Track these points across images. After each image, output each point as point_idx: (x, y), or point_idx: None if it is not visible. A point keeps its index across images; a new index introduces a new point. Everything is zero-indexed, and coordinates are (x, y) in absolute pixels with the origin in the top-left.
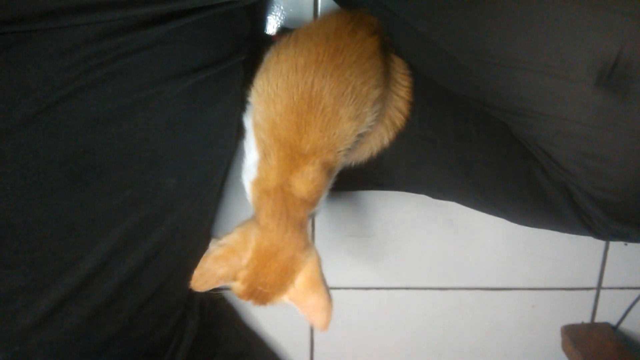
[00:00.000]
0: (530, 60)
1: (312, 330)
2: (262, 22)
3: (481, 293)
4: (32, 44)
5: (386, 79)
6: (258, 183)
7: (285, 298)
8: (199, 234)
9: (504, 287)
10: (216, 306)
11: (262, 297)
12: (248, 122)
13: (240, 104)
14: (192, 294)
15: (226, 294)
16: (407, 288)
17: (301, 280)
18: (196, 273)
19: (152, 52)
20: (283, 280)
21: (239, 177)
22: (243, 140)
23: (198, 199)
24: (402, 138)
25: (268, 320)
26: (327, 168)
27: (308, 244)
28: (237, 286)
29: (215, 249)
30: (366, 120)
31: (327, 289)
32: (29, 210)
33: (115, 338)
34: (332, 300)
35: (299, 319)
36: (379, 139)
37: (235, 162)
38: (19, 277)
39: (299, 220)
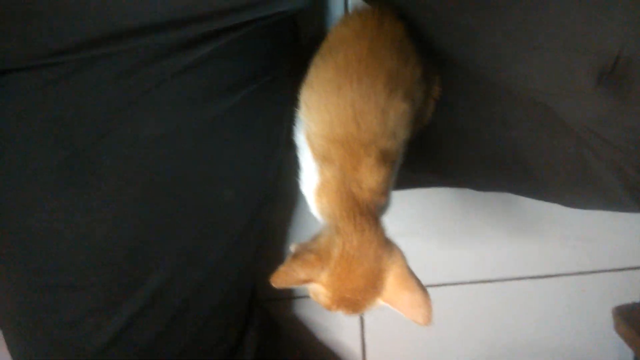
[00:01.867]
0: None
1: (362, 331)
2: (301, 29)
3: (528, 282)
4: (92, 70)
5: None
6: (322, 189)
7: (379, 301)
8: (257, 245)
9: (551, 274)
10: (274, 316)
11: (352, 305)
12: (300, 136)
13: (288, 113)
14: (254, 305)
15: (285, 303)
16: (454, 284)
17: (390, 279)
18: (282, 269)
19: (205, 69)
20: (373, 283)
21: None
22: (296, 155)
23: (256, 208)
24: (447, 132)
25: (320, 326)
26: (388, 157)
27: (388, 240)
28: (323, 297)
29: (303, 253)
30: (415, 99)
31: (419, 282)
32: (95, 232)
33: (184, 352)
34: (428, 292)
35: (349, 324)
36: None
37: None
38: (89, 298)
39: (372, 217)
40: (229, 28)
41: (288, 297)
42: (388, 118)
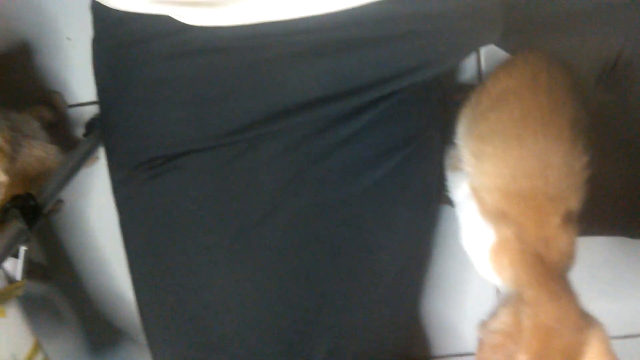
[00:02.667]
0: None
1: None
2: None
3: None
4: (262, 147)
5: None
6: (500, 249)
7: None
8: (414, 307)
9: None
10: None
11: None
12: (460, 191)
13: (439, 170)
14: None
15: None
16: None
17: (590, 355)
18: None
19: (364, 136)
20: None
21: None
22: (453, 210)
23: (412, 272)
24: (608, 183)
25: None
26: (574, 213)
27: (584, 310)
28: None
29: (489, 336)
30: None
31: None
32: (263, 306)
33: None
34: None
35: None
36: None
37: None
38: None
39: (565, 282)
40: (388, 95)
41: (426, 357)
42: (574, 170)
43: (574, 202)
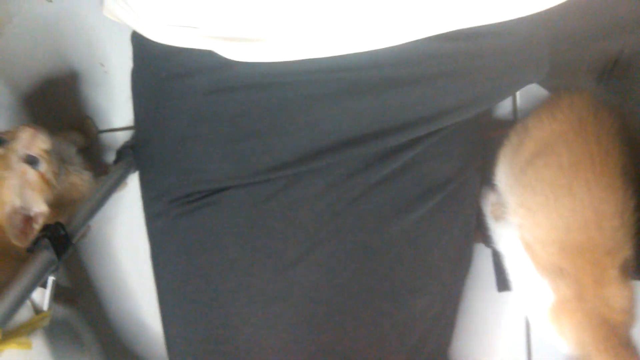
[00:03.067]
0: None
1: None
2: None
3: None
4: (301, 184)
5: None
6: (561, 309)
7: None
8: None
9: None
10: None
11: None
12: (506, 241)
13: (476, 215)
14: None
15: None
16: None
17: None
18: None
19: (406, 175)
20: None
21: None
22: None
23: (445, 314)
24: None
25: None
26: (629, 263)
27: None
28: None
29: None
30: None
31: None
32: (301, 346)
33: None
34: None
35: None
36: None
37: None
38: None
39: (630, 343)
40: (429, 134)
41: None
42: (627, 218)
43: (629, 250)
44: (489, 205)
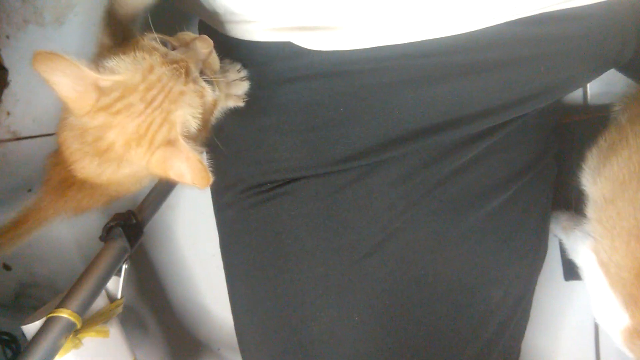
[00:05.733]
0: None
1: None
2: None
3: None
4: (375, 174)
5: None
6: (635, 335)
7: None
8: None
9: None
10: None
11: None
12: (583, 256)
13: (550, 206)
14: None
15: None
16: None
17: None
18: None
19: (482, 164)
20: None
21: None
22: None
23: (521, 306)
24: None
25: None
26: None
27: None
28: None
29: None
30: None
31: None
32: (373, 339)
33: None
34: None
35: None
36: None
37: None
38: None
39: None
40: (506, 122)
41: None
42: None
43: None
44: (560, 222)
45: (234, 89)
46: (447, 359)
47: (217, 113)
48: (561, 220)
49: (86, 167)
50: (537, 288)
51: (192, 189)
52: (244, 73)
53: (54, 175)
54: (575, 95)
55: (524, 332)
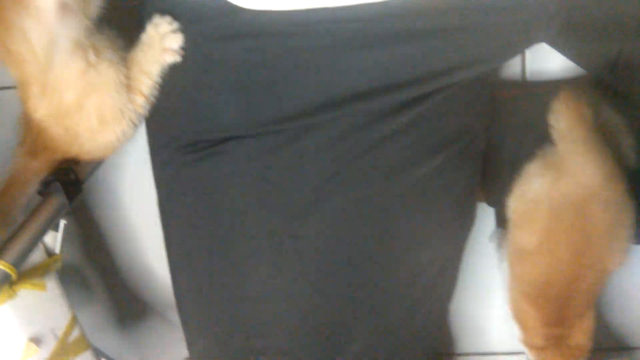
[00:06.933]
0: None
1: None
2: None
3: None
4: (308, 137)
5: None
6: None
7: None
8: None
9: None
10: None
11: None
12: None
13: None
14: None
15: None
16: None
17: None
18: None
19: (411, 131)
20: None
21: None
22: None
23: (450, 271)
24: None
25: None
26: None
27: None
28: None
29: None
30: None
31: None
32: (303, 298)
33: None
34: None
35: None
36: None
37: None
38: None
39: None
40: (437, 90)
41: (451, 353)
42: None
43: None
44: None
45: (168, 42)
46: (375, 317)
47: (155, 68)
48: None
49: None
50: (474, 258)
51: (138, 149)
52: (175, 25)
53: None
54: (515, 69)
55: (451, 296)
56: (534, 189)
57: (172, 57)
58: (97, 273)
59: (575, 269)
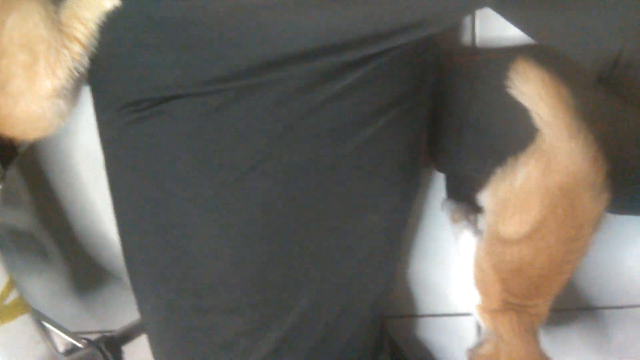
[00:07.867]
0: None
1: None
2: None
3: None
4: (250, 98)
5: None
6: (484, 312)
7: None
8: (394, 268)
9: None
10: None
11: None
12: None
13: (424, 134)
14: (384, 331)
15: (405, 322)
16: None
17: None
18: None
19: (353, 95)
20: None
21: None
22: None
23: (397, 231)
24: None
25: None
26: None
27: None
28: None
29: (476, 357)
30: None
31: None
32: (249, 255)
33: None
34: None
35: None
36: None
37: None
38: (242, 322)
39: (534, 331)
40: (381, 52)
41: (409, 315)
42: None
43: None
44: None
45: None
46: (321, 274)
47: (90, 14)
48: (452, 209)
49: None
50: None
51: (90, 115)
52: None
53: None
54: (465, 37)
55: (396, 258)
56: (521, 178)
57: (111, 3)
58: (55, 241)
59: (563, 255)
